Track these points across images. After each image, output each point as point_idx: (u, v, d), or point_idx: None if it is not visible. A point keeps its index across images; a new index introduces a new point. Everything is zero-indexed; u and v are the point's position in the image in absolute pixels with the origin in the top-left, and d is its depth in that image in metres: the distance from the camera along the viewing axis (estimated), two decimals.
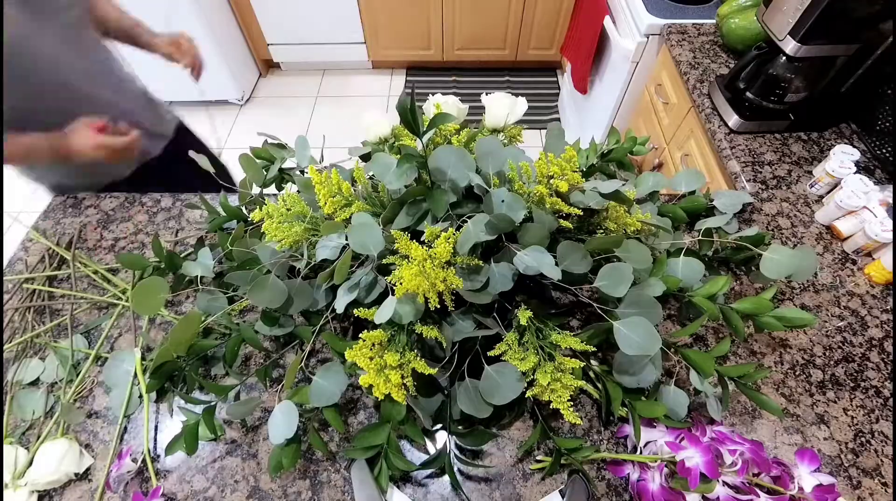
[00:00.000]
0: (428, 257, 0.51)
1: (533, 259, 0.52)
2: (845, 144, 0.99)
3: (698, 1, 1.52)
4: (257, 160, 0.81)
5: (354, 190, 0.65)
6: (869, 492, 0.63)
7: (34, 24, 0.77)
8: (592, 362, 0.64)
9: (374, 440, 0.59)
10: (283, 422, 0.56)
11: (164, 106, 1.13)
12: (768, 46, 1.05)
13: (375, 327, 0.56)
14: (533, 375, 0.56)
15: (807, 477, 0.54)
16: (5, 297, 0.80)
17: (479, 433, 0.64)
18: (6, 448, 0.62)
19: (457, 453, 0.63)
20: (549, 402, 0.56)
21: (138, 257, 0.78)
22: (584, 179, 0.61)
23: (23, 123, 0.80)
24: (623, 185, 0.60)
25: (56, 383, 0.71)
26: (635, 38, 1.51)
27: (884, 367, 0.73)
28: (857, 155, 0.93)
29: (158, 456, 0.65)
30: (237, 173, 0.80)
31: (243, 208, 0.84)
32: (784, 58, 1.02)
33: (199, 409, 0.62)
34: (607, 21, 1.64)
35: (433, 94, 0.70)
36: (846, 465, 0.65)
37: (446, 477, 0.61)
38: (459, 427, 0.65)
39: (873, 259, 0.85)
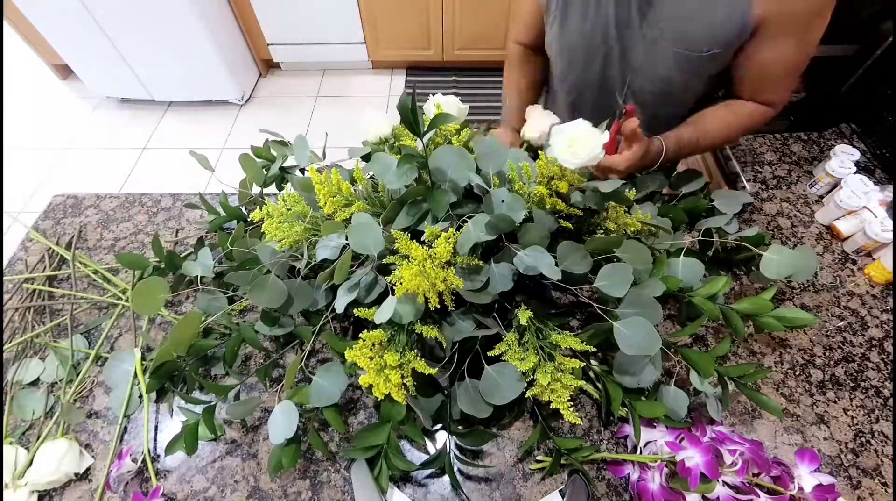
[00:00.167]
0: (428, 257, 0.51)
1: (533, 259, 0.52)
2: (845, 144, 0.99)
3: None
4: (257, 160, 0.81)
5: (354, 190, 0.65)
6: (869, 492, 0.63)
7: None
8: (592, 362, 0.64)
9: (374, 440, 0.59)
10: (283, 422, 0.56)
11: None
12: None
13: (375, 327, 0.56)
14: (533, 375, 0.56)
15: (807, 477, 0.54)
16: (5, 297, 0.80)
17: (479, 433, 0.64)
18: (6, 448, 0.62)
19: (457, 453, 0.63)
20: (549, 402, 0.56)
21: (138, 257, 0.78)
22: (583, 180, 0.61)
23: None
24: (623, 185, 0.61)
25: (56, 383, 0.71)
26: None
27: (884, 367, 0.73)
28: (857, 155, 0.93)
29: (158, 456, 0.65)
30: (237, 173, 0.80)
31: (243, 208, 0.84)
32: None
33: (199, 409, 0.62)
34: None
35: (433, 94, 0.70)
36: (846, 465, 0.65)
37: (446, 477, 0.61)
38: (459, 427, 0.65)
39: (873, 259, 0.85)
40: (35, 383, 0.71)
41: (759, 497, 0.52)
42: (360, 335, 0.55)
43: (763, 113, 0.80)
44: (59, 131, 2.46)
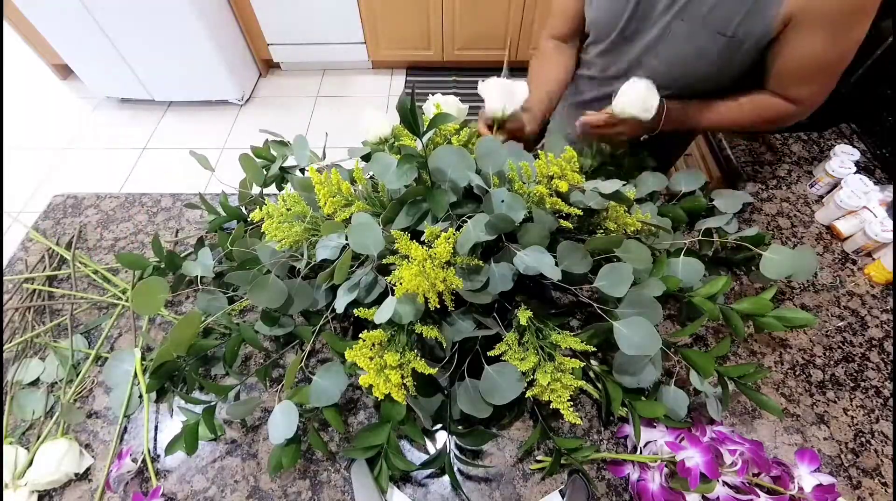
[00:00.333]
0: (428, 258, 0.51)
1: (533, 259, 0.52)
2: (845, 144, 0.99)
3: None
4: (257, 160, 0.81)
5: (354, 190, 0.65)
6: (869, 492, 0.63)
7: None
8: (592, 362, 0.64)
9: (374, 440, 0.59)
10: (283, 422, 0.56)
11: None
12: None
13: (375, 327, 0.56)
14: (533, 375, 0.56)
15: (807, 477, 0.54)
16: (5, 297, 0.80)
17: (479, 433, 0.64)
18: (6, 448, 0.62)
19: (457, 453, 0.63)
20: (549, 402, 0.56)
21: (138, 257, 0.78)
22: (583, 179, 0.61)
23: None
24: (623, 185, 0.60)
25: (56, 383, 0.71)
26: None
27: (884, 367, 0.73)
28: (857, 155, 0.93)
29: (158, 456, 0.65)
30: (237, 173, 0.80)
31: (243, 208, 0.84)
32: None
33: (199, 409, 0.62)
34: None
35: (433, 94, 0.70)
36: (846, 465, 0.65)
37: (446, 477, 0.61)
38: (459, 427, 0.65)
39: (873, 259, 0.85)
40: (35, 383, 0.71)
41: (759, 497, 0.52)
42: (360, 335, 0.55)
43: (786, 109, 0.77)
44: (59, 131, 2.46)
